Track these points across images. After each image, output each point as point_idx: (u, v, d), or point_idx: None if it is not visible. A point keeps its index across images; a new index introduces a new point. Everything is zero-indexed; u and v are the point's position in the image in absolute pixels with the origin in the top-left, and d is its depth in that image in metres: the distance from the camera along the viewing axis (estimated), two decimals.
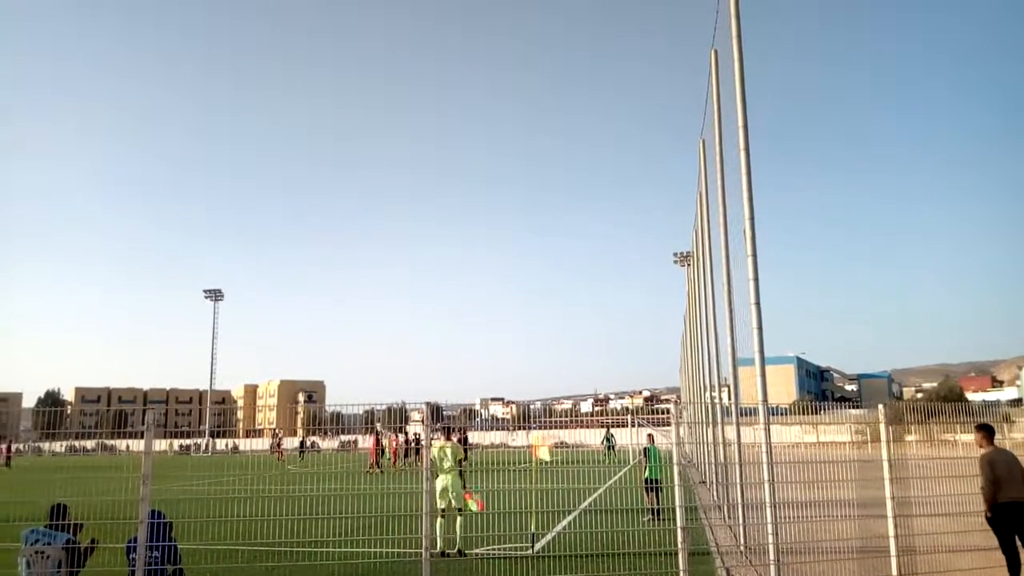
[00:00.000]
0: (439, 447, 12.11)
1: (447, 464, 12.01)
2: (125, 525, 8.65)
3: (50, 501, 7.94)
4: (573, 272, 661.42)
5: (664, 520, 15.59)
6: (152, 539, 7.74)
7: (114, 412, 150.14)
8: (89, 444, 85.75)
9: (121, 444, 75.29)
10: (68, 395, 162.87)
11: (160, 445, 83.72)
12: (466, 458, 15.35)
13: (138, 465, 8.36)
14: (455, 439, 13.38)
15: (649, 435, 18.78)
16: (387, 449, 38.43)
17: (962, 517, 9.61)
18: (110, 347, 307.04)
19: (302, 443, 53.56)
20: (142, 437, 8.50)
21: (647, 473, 16.80)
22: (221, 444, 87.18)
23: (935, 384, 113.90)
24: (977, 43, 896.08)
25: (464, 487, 12.08)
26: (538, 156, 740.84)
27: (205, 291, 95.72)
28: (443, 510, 11.91)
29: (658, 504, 16.49)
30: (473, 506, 12.08)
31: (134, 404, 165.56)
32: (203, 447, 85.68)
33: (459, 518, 11.77)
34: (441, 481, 11.97)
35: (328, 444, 71.23)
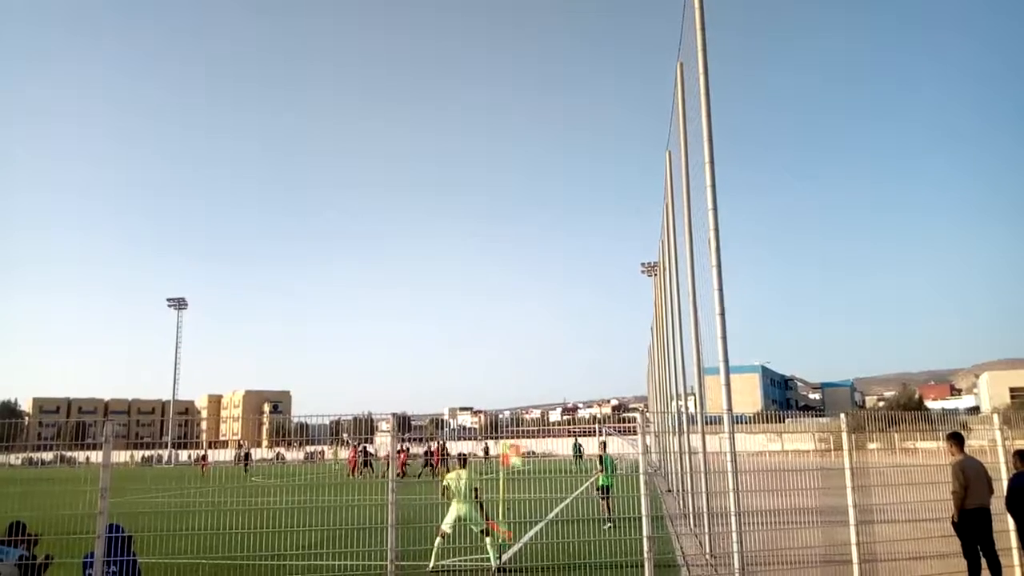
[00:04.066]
0: (456, 474, 11.98)
1: (463, 492, 11.80)
2: (83, 540, 8.45)
3: (5, 515, 7.73)
4: (541, 281, 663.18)
5: (615, 529, 15.65)
6: (111, 554, 7.57)
7: (74, 423, 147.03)
8: (47, 456, 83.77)
9: (81, 456, 73.67)
10: (26, 406, 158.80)
11: (122, 456, 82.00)
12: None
13: (97, 478, 8.19)
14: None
15: (602, 443, 18.89)
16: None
17: (922, 524, 9.76)
18: (70, 356, 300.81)
19: (247, 455, 50.27)
20: (102, 449, 8.33)
21: (600, 481, 16.93)
22: (184, 455, 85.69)
23: (896, 393, 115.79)
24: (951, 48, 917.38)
25: (486, 517, 11.85)
26: (505, 166, 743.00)
27: (169, 300, 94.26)
28: (446, 532, 11.73)
29: (610, 512, 16.57)
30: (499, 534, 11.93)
31: (95, 415, 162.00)
32: (165, 458, 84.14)
33: (488, 538, 11.57)
34: (456, 508, 11.78)
35: (294, 455, 70.35)
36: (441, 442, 43.21)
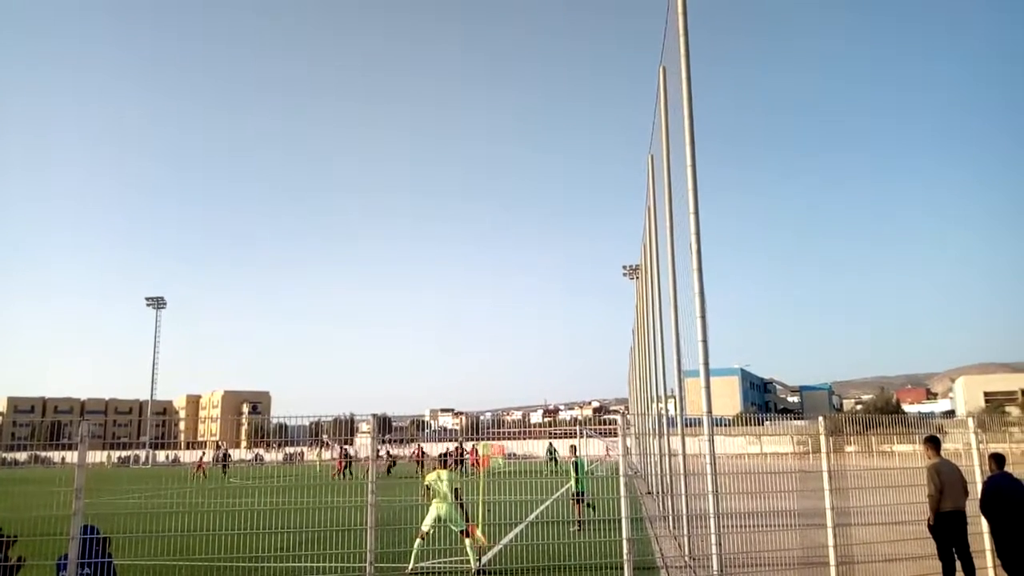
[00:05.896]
0: (436, 474, 11.90)
1: (444, 492, 11.73)
2: (57, 541, 8.34)
3: None
4: (524, 283, 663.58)
5: (595, 531, 15.62)
6: (85, 555, 7.47)
7: (49, 423, 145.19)
8: (21, 456, 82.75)
9: (56, 456, 72.79)
10: (0, 405, 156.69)
11: (98, 457, 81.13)
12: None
13: (71, 478, 8.08)
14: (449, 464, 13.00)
15: (572, 447, 18.76)
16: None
17: (898, 526, 9.86)
18: (46, 355, 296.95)
19: (225, 455, 49.22)
20: (77, 449, 8.23)
21: (575, 486, 16.76)
22: (162, 456, 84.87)
23: (873, 396, 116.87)
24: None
25: (466, 519, 11.80)
26: (486, 168, 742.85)
27: (147, 299, 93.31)
28: (426, 533, 11.69)
29: (585, 516, 16.47)
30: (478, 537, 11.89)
31: (71, 414, 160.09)
32: (143, 459, 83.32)
33: (467, 539, 11.55)
34: (437, 508, 11.72)
35: (272, 456, 69.87)
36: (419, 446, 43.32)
